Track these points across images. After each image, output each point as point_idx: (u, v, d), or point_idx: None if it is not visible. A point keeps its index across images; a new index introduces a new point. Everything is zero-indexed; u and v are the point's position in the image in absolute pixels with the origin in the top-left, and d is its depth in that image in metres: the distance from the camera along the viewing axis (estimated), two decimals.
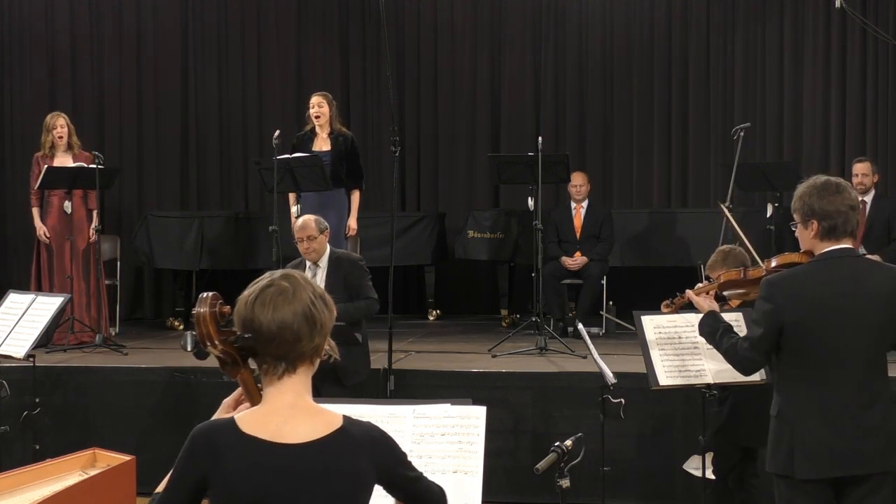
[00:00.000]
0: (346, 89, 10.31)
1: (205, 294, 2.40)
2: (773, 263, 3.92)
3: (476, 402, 3.11)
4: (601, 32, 10.18)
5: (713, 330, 3.95)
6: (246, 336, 2.31)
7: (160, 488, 2.35)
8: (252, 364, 2.39)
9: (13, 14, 10.38)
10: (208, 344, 2.36)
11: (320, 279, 6.04)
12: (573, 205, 8.67)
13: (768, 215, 8.21)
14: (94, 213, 8.02)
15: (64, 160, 8.00)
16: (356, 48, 10.44)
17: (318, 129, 7.74)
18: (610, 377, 4.82)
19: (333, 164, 7.55)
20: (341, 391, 5.82)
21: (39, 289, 7.75)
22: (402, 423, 3.05)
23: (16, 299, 6.02)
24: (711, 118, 9.92)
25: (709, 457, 4.97)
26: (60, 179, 7.89)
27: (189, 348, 2.39)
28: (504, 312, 9.21)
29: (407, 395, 6.08)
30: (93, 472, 3.57)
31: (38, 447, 5.89)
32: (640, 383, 5.16)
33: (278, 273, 2.37)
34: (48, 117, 8.16)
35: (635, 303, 7.01)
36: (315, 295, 2.34)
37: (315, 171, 7.29)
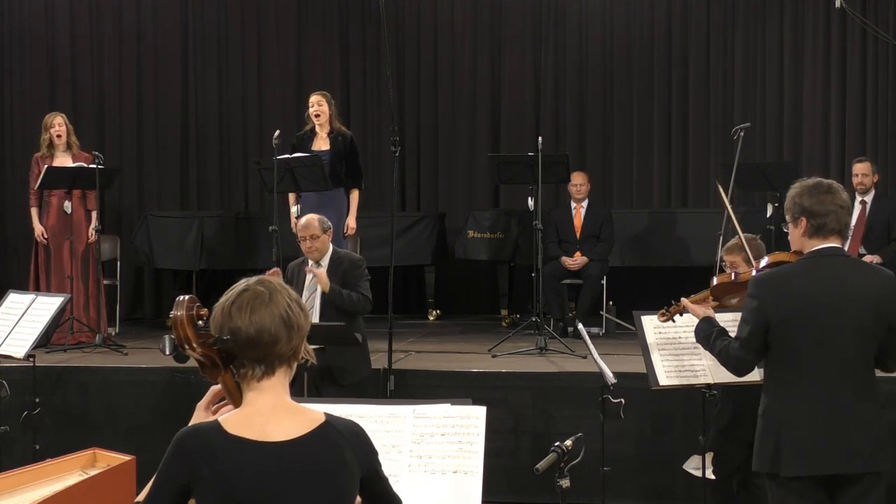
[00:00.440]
0: (346, 89, 10.31)
1: (181, 297, 2.40)
2: (763, 263, 3.93)
3: (476, 402, 3.11)
4: (601, 32, 10.18)
5: (708, 334, 3.96)
6: (224, 338, 2.32)
7: (141, 497, 2.34)
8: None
9: (13, 14, 10.37)
10: (186, 347, 2.37)
11: (317, 294, 6.06)
12: (573, 205, 8.67)
13: (768, 215, 8.21)
14: (94, 214, 8.02)
15: (63, 160, 8.00)
16: (356, 48, 10.44)
17: (317, 128, 7.73)
18: (610, 377, 4.82)
19: (332, 163, 7.55)
20: (341, 391, 5.82)
21: (38, 289, 7.74)
22: (402, 423, 3.05)
23: (16, 299, 6.02)
24: (711, 118, 9.92)
25: (709, 457, 4.98)
26: (60, 179, 7.89)
27: (167, 352, 2.38)
28: (504, 312, 9.21)
29: (407, 395, 6.08)
30: (93, 472, 3.57)
31: (38, 447, 5.88)
32: (640, 383, 5.16)
33: (254, 279, 2.40)
34: (46, 117, 8.16)
35: (635, 303, 7.01)
36: (291, 299, 2.37)
37: (315, 171, 7.29)
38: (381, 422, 3.04)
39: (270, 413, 2.32)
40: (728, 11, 9.90)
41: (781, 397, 3.60)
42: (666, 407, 6.20)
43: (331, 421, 2.35)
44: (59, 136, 8.01)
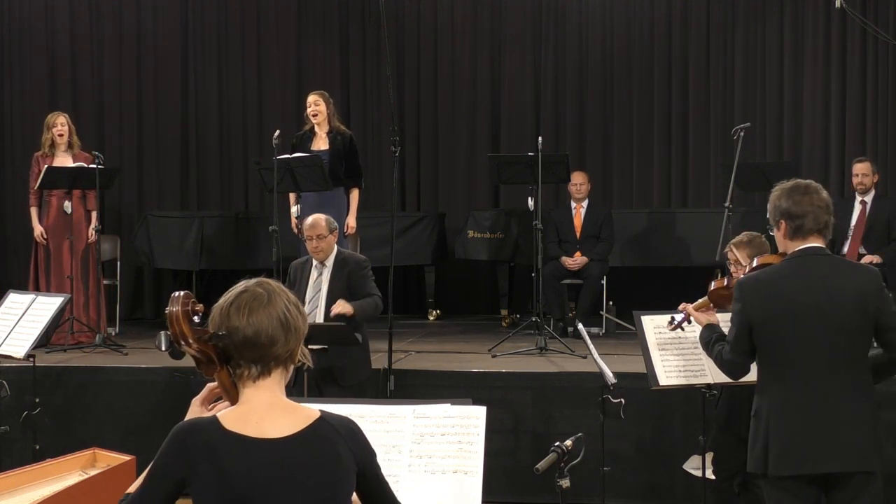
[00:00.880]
0: (346, 89, 10.31)
1: (176, 293, 2.41)
2: (752, 265, 3.96)
3: (476, 402, 3.11)
4: (601, 32, 10.18)
5: (708, 340, 4.01)
6: (220, 334, 2.34)
7: (132, 488, 2.35)
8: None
9: (13, 14, 10.37)
10: (182, 343, 2.39)
11: (326, 278, 6.05)
12: (573, 205, 8.67)
13: (768, 215, 8.19)
14: (94, 214, 8.01)
15: (64, 160, 8.00)
16: (356, 48, 10.44)
17: (316, 127, 7.73)
18: (610, 377, 4.82)
19: (332, 162, 7.54)
20: (342, 391, 5.82)
21: (37, 289, 7.73)
22: (402, 423, 3.05)
23: (16, 299, 6.02)
24: (711, 118, 9.92)
25: (709, 457, 4.97)
26: (60, 179, 7.89)
27: (163, 347, 2.38)
28: (504, 312, 9.21)
29: (407, 395, 6.08)
30: (93, 472, 3.58)
31: (38, 447, 5.88)
32: (640, 383, 5.16)
33: (253, 280, 2.41)
34: (48, 116, 8.16)
35: (635, 303, 7.04)
36: (289, 301, 2.38)
37: (315, 171, 7.28)
38: (381, 422, 3.04)
39: (266, 411, 2.33)
40: (728, 11, 9.90)
41: (771, 397, 3.62)
42: (666, 407, 6.20)
43: (325, 417, 2.36)
44: (60, 135, 8.01)
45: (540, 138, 7.68)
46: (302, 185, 7.38)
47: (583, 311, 8.32)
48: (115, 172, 8.68)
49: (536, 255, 7.55)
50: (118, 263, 9.31)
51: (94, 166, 7.82)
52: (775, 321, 3.58)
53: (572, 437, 3.39)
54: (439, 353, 7.48)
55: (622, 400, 4.84)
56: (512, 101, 10.27)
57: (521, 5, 10.28)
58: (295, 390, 5.19)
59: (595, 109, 10.18)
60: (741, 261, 4.68)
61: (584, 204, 8.66)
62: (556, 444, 3.35)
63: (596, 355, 4.91)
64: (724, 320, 4.11)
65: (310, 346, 3.55)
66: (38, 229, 7.98)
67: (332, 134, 7.71)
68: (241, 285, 2.40)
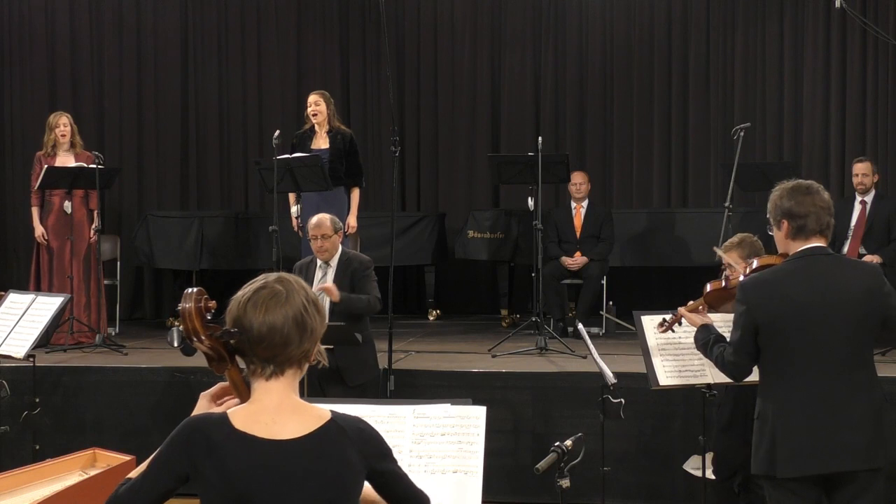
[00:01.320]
0: (346, 89, 10.31)
1: (189, 289, 2.40)
2: (752, 267, 3.94)
3: (476, 402, 3.11)
4: (601, 32, 10.18)
5: (705, 341, 3.99)
6: (233, 331, 2.32)
7: (133, 474, 2.34)
8: (241, 363, 2.40)
9: (13, 14, 10.37)
10: (194, 339, 2.37)
11: (330, 278, 6.05)
12: (573, 205, 8.67)
13: (768, 215, 8.19)
14: (96, 214, 8.01)
15: (66, 160, 8.00)
16: (356, 48, 10.44)
17: (316, 127, 7.74)
18: (610, 377, 4.82)
19: (332, 162, 7.55)
20: (347, 391, 5.82)
21: (39, 289, 7.74)
22: (402, 423, 3.05)
23: (16, 299, 6.02)
24: (711, 118, 9.92)
25: (709, 457, 4.97)
26: (60, 179, 7.89)
27: (175, 344, 2.39)
28: (504, 312, 9.21)
29: (407, 395, 6.08)
30: (93, 472, 3.57)
31: (38, 447, 5.88)
32: (640, 383, 5.16)
33: (273, 276, 2.38)
34: (51, 116, 8.16)
35: (635, 303, 7.05)
36: (308, 300, 2.35)
37: (315, 171, 7.28)
38: (381, 422, 3.04)
39: (276, 411, 2.32)
40: (728, 11, 9.90)
41: (775, 399, 3.60)
42: (666, 407, 6.20)
43: (335, 419, 2.35)
44: (63, 135, 8.02)
45: (540, 138, 7.68)
46: (302, 185, 7.38)
47: (583, 311, 8.32)
48: (115, 172, 8.68)
49: (536, 255, 7.55)
50: (118, 263, 9.31)
51: (94, 166, 7.83)
52: (780, 322, 3.57)
53: (572, 437, 3.39)
54: (439, 353, 7.48)
55: (622, 400, 4.83)
56: (512, 101, 10.27)
57: (521, 5, 10.28)
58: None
59: (595, 109, 10.18)
60: (731, 263, 4.68)
61: (584, 204, 8.66)
62: (556, 444, 3.35)
63: (596, 355, 4.91)
64: (722, 321, 4.10)
65: None
66: (38, 230, 7.98)
67: (333, 133, 7.71)
68: (260, 280, 2.37)
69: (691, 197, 9.96)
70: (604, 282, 8.52)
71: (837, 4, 6.74)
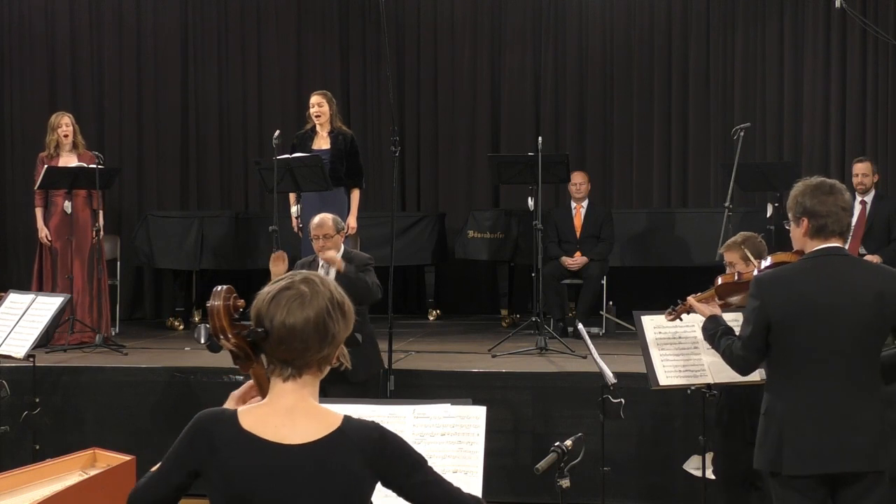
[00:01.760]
0: (346, 89, 10.31)
1: (219, 287, 2.38)
2: (766, 263, 3.94)
3: (476, 402, 3.11)
4: (601, 32, 10.18)
5: (713, 333, 3.98)
6: (259, 331, 2.30)
7: (155, 468, 2.36)
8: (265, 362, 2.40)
9: (13, 14, 10.37)
10: (221, 337, 2.35)
11: (332, 277, 6.04)
12: (573, 205, 8.67)
13: (768, 215, 8.21)
14: (100, 214, 8.02)
15: (69, 160, 8.00)
16: (356, 48, 10.44)
17: (318, 127, 7.74)
18: (610, 377, 4.82)
19: (333, 162, 7.55)
20: (349, 389, 5.81)
21: (41, 289, 7.73)
22: (402, 423, 3.05)
23: (16, 299, 6.02)
24: (711, 118, 9.92)
25: (709, 457, 4.97)
26: (61, 179, 7.89)
27: (202, 341, 2.39)
28: (504, 312, 9.21)
29: (407, 395, 6.08)
30: (93, 472, 3.57)
31: (38, 447, 5.88)
32: (640, 383, 5.16)
33: (300, 275, 2.35)
34: (53, 117, 8.16)
35: (635, 303, 7.03)
36: (333, 304, 2.31)
37: (315, 171, 7.28)
38: (381, 422, 3.03)
39: (287, 414, 2.29)
40: (728, 11, 9.90)
41: (783, 396, 3.60)
42: (666, 407, 6.20)
43: (345, 426, 2.30)
44: (66, 136, 8.02)
45: (540, 138, 7.68)
46: (302, 185, 7.38)
47: (583, 311, 8.32)
48: (115, 172, 8.68)
49: (536, 255, 7.55)
50: (118, 263, 9.31)
51: (94, 166, 7.83)
52: (792, 319, 3.57)
53: (572, 437, 3.39)
54: (439, 353, 7.48)
55: (622, 400, 4.83)
56: (512, 101, 10.27)
57: (521, 5, 10.28)
58: None
59: (595, 109, 10.18)
60: (732, 262, 4.68)
61: (584, 204, 8.66)
62: (556, 444, 3.35)
63: (596, 355, 4.90)
64: (734, 321, 4.09)
65: None
66: (42, 230, 7.98)
67: (334, 134, 7.72)
68: (287, 278, 2.34)
69: (691, 197, 9.96)
70: (604, 282, 8.53)
71: (837, 4, 6.75)
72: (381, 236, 8.36)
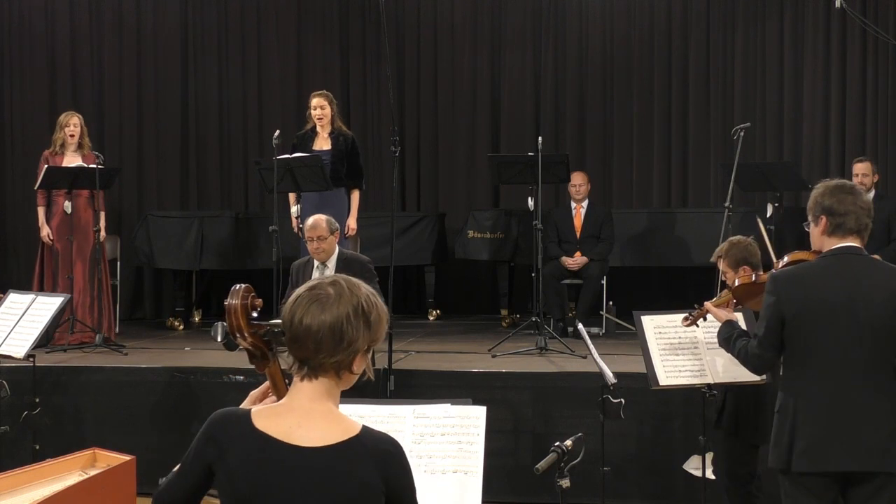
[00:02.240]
0: (346, 89, 10.31)
1: (237, 286, 2.38)
2: (783, 262, 3.95)
3: (476, 402, 3.12)
4: (601, 32, 10.18)
5: (729, 336, 4.02)
6: (276, 331, 2.30)
7: (176, 468, 2.37)
8: (283, 363, 2.39)
9: (13, 14, 10.38)
10: (238, 336, 2.36)
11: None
12: (573, 205, 8.67)
13: (768, 215, 8.21)
14: (102, 214, 8.02)
15: (72, 159, 8.01)
16: (356, 48, 10.44)
17: (319, 128, 7.74)
18: (610, 377, 4.82)
19: (333, 163, 7.55)
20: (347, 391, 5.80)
21: (42, 289, 7.73)
22: (402, 423, 3.05)
23: (16, 299, 6.02)
24: (711, 118, 9.92)
25: (709, 457, 4.96)
26: (61, 179, 7.89)
27: (219, 339, 2.37)
28: (504, 312, 9.21)
29: (407, 395, 6.08)
30: (93, 472, 3.56)
31: (38, 447, 5.88)
32: (640, 383, 5.16)
33: (330, 277, 2.34)
34: (62, 115, 8.17)
35: (635, 303, 7.04)
36: (357, 311, 2.28)
37: (315, 171, 7.28)
38: (381, 422, 3.05)
39: (304, 415, 2.28)
40: (728, 11, 9.90)
41: (796, 394, 3.61)
42: (666, 407, 6.20)
43: (363, 437, 2.28)
44: (72, 136, 8.02)
45: (540, 138, 7.68)
46: (302, 186, 7.38)
47: (583, 311, 8.32)
48: (115, 172, 8.68)
49: (536, 255, 7.55)
50: (118, 263, 9.31)
51: (94, 166, 7.83)
52: (807, 317, 3.58)
53: (572, 437, 3.40)
54: (439, 353, 7.48)
55: (622, 400, 4.83)
56: (512, 101, 10.27)
57: (521, 5, 10.28)
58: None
59: (595, 109, 10.18)
60: (725, 271, 4.67)
61: (584, 204, 8.66)
62: (556, 444, 3.35)
63: (596, 355, 4.90)
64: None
65: None
66: (44, 230, 7.98)
67: (335, 135, 7.72)
68: (317, 279, 2.34)
69: (691, 197, 9.96)
70: (604, 282, 8.53)
71: (837, 4, 6.75)
72: (381, 236, 8.36)
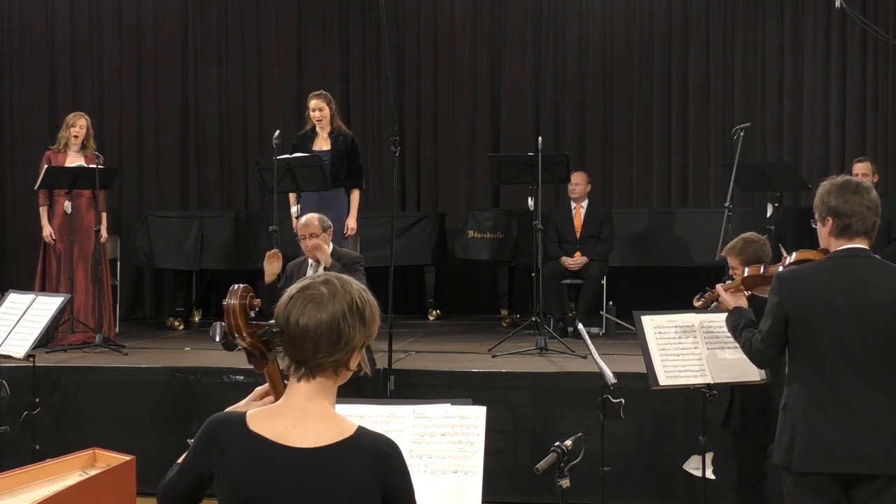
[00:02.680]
0: (346, 89, 10.31)
1: (236, 286, 2.38)
2: (791, 259, 3.94)
3: (476, 402, 3.12)
4: (601, 32, 10.18)
5: (736, 324, 4.02)
6: (275, 331, 2.30)
7: (181, 459, 2.37)
8: (281, 363, 2.39)
9: (13, 14, 10.38)
10: (236, 336, 2.35)
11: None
12: (573, 205, 8.66)
13: (768, 215, 8.21)
14: (104, 215, 8.02)
15: (75, 159, 8.01)
16: (356, 48, 10.44)
17: (318, 129, 7.75)
18: (610, 377, 4.82)
19: (333, 163, 7.56)
20: (340, 390, 5.80)
21: (44, 289, 7.74)
22: (402, 423, 3.05)
23: (16, 299, 6.02)
24: (711, 118, 9.92)
25: (709, 457, 4.96)
26: (61, 179, 7.89)
27: (217, 339, 2.36)
28: (504, 312, 9.21)
29: (407, 395, 6.08)
30: (93, 472, 3.56)
31: (38, 447, 5.88)
32: (640, 383, 5.16)
33: (322, 276, 2.34)
34: (70, 115, 8.18)
35: (635, 303, 7.04)
36: (352, 308, 2.29)
37: (315, 171, 7.29)
38: (381, 422, 3.04)
39: (299, 416, 2.28)
40: (728, 11, 9.90)
41: (800, 393, 3.62)
42: (666, 407, 6.20)
43: (357, 438, 2.28)
44: (76, 136, 8.03)
45: (540, 138, 7.67)
46: (302, 185, 7.38)
47: (583, 311, 8.32)
48: (115, 172, 8.68)
49: (536, 255, 7.55)
50: (118, 263, 9.31)
51: (94, 166, 7.83)
52: (811, 318, 3.58)
53: (572, 437, 3.40)
54: (439, 353, 7.48)
55: (622, 400, 4.83)
56: (512, 101, 10.27)
57: (521, 5, 10.28)
58: None
59: (595, 109, 10.18)
60: (735, 267, 4.67)
61: (584, 204, 8.66)
62: (556, 444, 3.35)
63: (596, 355, 4.90)
64: None
65: None
66: (46, 229, 7.98)
67: (335, 135, 7.72)
68: (311, 278, 2.34)
69: (691, 197, 9.96)
70: (604, 282, 8.52)
71: (837, 4, 6.74)
72: (381, 236, 8.36)
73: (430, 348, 7.73)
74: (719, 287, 4.36)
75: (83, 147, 8.07)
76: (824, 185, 3.73)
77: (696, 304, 4.64)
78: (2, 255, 10.38)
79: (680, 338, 4.75)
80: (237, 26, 10.43)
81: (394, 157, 6.69)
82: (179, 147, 10.40)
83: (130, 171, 10.21)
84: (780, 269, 3.94)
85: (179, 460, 2.38)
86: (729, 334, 4.17)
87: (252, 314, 2.37)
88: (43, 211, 8.03)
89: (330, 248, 6.15)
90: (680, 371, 4.71)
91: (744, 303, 4.20)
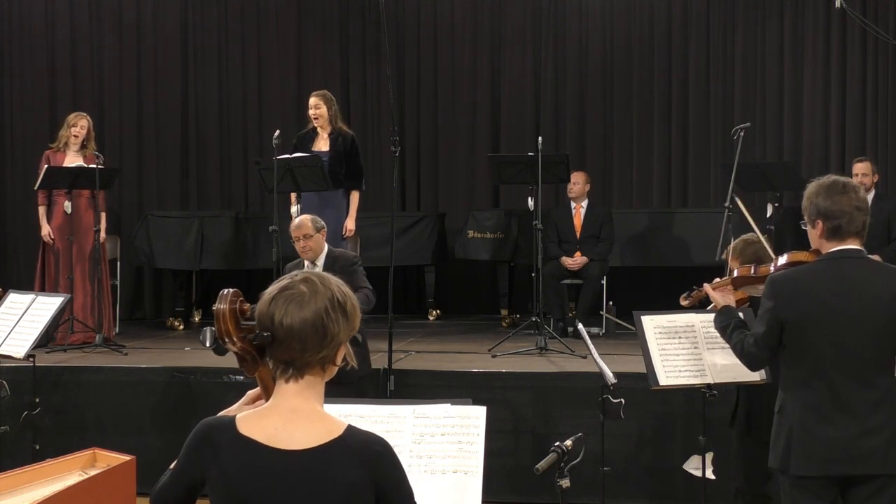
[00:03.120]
0: (346, 89, 10.31)
1: (226, 290, 2.37)
2: (782, 261, 3.93)
3: (476, 402, 3.11)
4: (601, 32, 10.18)
5: (726, 324, 3.99)
6: (265, 335, 2.29)
7: (173, 465, 2.37)
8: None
9: (13, 14, 10.37)
10: (227, 340, 2.34)
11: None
12: (573, 205, 8.66)
13: (768, 215, 8.21)
14: (103, 215, 8.02)
15: (74, 159, 8.01)
16: (356, 48, 10.44)
17: (318, 129, 7.74)
18: (610, 377, 4.82)
19: (332, 163, 7.55)
20: (340, 390, 5.80)
21: (44, 289, 7.74)
22: (402, 423, 3.05)
23: (16, 299, 6.02)
24: (711, 118, 9.92)
25: (709, 457, 4.96)
26: (61, 179, 7.89)
27: (208, 344, 2.36)
28: (504, 312, 9.21)
29: (407, 395, 6.08)
30: (93, 472, 3.56)
31: (38, 447, 5.88)
32: (640, 383, 5.16)
33: (301, 275, 2.34)
34: (71, 115, 8.19)
35: (635, 303, 7.03)
36: (333, 304, 2.29)
37: (315, 171, 7.29)
38: (381, 422, 3.04)
39: (288, 418, 2.28)
40: (728, 11, 9.90)
41: (796, 396, 3.60)
42: (666, 407, 6.20)
43: (347, 436, 2.28)
44: (76, 136, 8.03)
45: (540, 138, 7.68)
46: (302, 185, 7.38)
47: (583, 311, 8.32)
48: (115, 172, 8.68)
49: (536, 255, 7.55)
50: (118, 263, 9.31)
51: (94, 166, 7.83)
52: (805, 321, 3.56)
53: (572, 437, 3.39)
54: (439, 353, 7.48)
55: (622, 400, 4.83)
56: (512, 101, 10.27)
57: (521, 5, 10.28)
58: None
59: (595, 109, 10.18)
60: (734, 268, 4.66)
61: (584, 204, 8.66)
62: (556, 444, 3.35)
63: (596, 355, 4.90)
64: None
65: None
66: (45, 229, 7.98)
67: (334, 135, 7.71)
68: (287, 278, 2.33)
69: (691, 197, 9.96)
70: (604, 282, 8.53)
71: (837, 4, 6.74)
72: (381, 236, 8.36)
73: (430, 348, 7.73)
74: (707, 286, 4.34)
75: (83, 147, 8.07)
76: (811, 187, 3.68)
77: (683, 302, 4.59)
78: (2, 255, 10.38)
79: (680, 338, 4.74)
80: (237, 26, 10.43)
81: (394, 157, 6.69)
82: (179, 147, 10.40)
83: (130, 171, 10.21)
84: (772, 269, 3.92)
85: (171, 466, 2.37)
86: None
87: (243, 319, 2.35)
88: (41, 211, 8.04)
89: (325, 248, 6.15)
90: (680, 371, 4.71)
91: (732, 302, 4.17)
